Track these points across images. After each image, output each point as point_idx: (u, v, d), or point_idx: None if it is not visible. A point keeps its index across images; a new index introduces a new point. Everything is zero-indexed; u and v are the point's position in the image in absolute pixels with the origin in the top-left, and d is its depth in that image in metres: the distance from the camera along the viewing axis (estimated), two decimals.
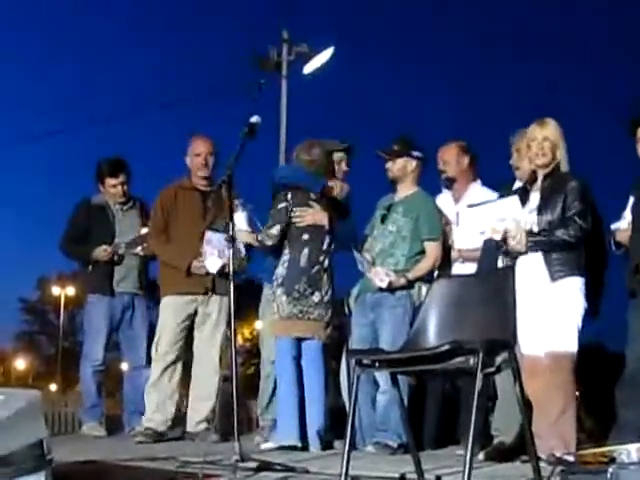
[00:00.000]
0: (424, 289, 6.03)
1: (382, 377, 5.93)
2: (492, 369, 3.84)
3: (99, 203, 7.56)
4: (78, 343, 59.97)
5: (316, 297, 6.13)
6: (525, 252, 5.41)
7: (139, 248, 7.34)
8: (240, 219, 6.34)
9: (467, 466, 3.55)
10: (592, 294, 5.58)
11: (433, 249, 6.25)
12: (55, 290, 54.06)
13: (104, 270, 7.40)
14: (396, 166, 6.36)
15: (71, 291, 50.63)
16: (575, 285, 5.40)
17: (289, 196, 6.22)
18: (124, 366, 8.20)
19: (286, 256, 6.21)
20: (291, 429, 5.93)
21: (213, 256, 6.66)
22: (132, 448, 6.07)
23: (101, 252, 7.32)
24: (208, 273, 6.77)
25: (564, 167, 5.53)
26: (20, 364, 58.80)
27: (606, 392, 6.92)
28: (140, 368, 7.39)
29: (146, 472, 4.55)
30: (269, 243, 6.24)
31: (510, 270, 4.22)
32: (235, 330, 5.03)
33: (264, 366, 6.79)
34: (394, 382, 4.24)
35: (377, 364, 4.02)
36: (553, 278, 5.36)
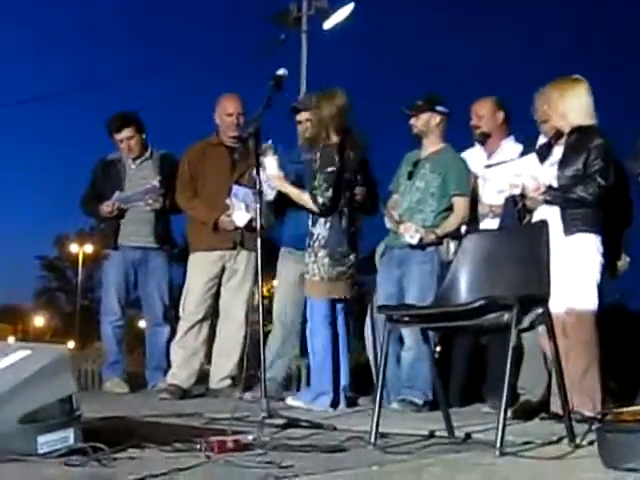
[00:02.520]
0: (452, 245, 6.03)
1: (408, 334, 5.90)
2: (526, 325, 3.79)
3: (113, 159, 7.49)
4: (96, 300, 60.44)
5: (353, 257, 6.07)
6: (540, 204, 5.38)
7: (142, 202, 7.23)
8: (271, 163, 6.20)
9: (501, 423, 3.53)
10: (611, 254, 5.52)
11: (461, 204, 6.21)
12: (73, 248, 54.20)
13: (112, 225, 7.35)
14: (420, 121, 6.28)
15: (89, 248, 50.81)
16: (590, 241, 5.33)
17: (337, 159, 6.04)
18: (142, 323, 8.18)
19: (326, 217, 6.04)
20: (329, 393, 5.91)
21: (241, 210, 6.61)
22: (156, 405, 6.04)
23: (103, 208, 7.27)
24: (237, 228, 6.71)
25: (588, 121, 5.44)
26: (39, 321, 59.18)
27: (630, 353, 6.86)
28: (156, 326, 7.37)
29: (174, 428, 4.50)
30: (328, 205, 6.05)
31: (544, 225, 4.14)
32: (262, 285, 4.96)
33: (274, 326, 6.75)
34: (425, 338, 4.18)
35: (408, 320, 3.97)
36: (567, 232, 5.28)
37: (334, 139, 6.04)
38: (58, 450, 3.25)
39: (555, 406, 5.33)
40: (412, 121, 6.32)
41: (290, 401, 5.97)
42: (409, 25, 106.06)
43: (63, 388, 3.30)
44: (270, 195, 6.30)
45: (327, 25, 19.66)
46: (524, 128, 6.43)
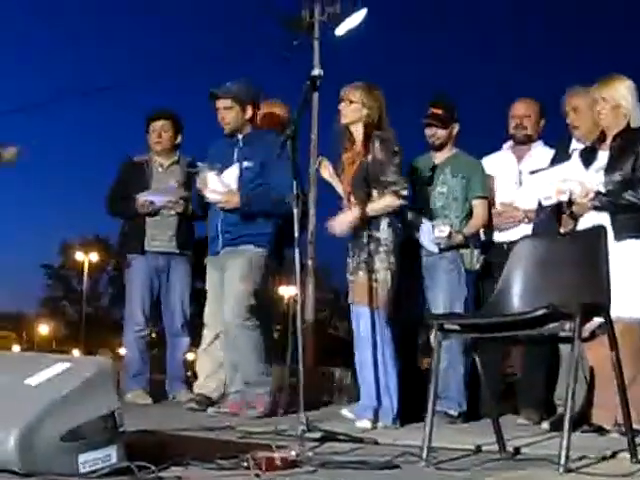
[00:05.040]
0: (476, 254, 6.05)
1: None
2: (587, 335, 3.61)
3: (140, 160, 7.29)
4: (101, 309, 60.68)
5: None
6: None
7: (164, 200, 7.02)
8: (213, 180, 6.13)
9: (565, 439, 3.36)
10: None
11: (483, 207, 6.16)
12: (79, 256, 54.17)
13: (136, 228, 7.12)
14: (443, 132, 6.22)
15: (94, 257, 50.86)
16: None
17: (398, 149, 5.72)
18: None
19: (386, 219, 5.62)
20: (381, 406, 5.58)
21: None
22: (184, 417, 5.85)
23: (140, 201, 7.02)
24: None
25: (634, 123, 5.28)
26: (44, 329, 59.17)
27: None
28: (176, 336, 7.20)
29: (211, 443, 4.32)
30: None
31: (603, 230, 3.96)
32: (303, 294, 4.78)
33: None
34: (475, 349, 4.00)
35: (460, 329, 3.79)
36: (617, 238, 5.11)
37: (389, 129, 5.73)
38: (100, 469, 3.08)
39: (597, 418, 5.18)
40: (433, 131, 6.23)
41: (345, 413, 5.73)
42: (421, 32, 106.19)
43: (106, 403, 3.11)
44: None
45: (339, 31, 19.54)
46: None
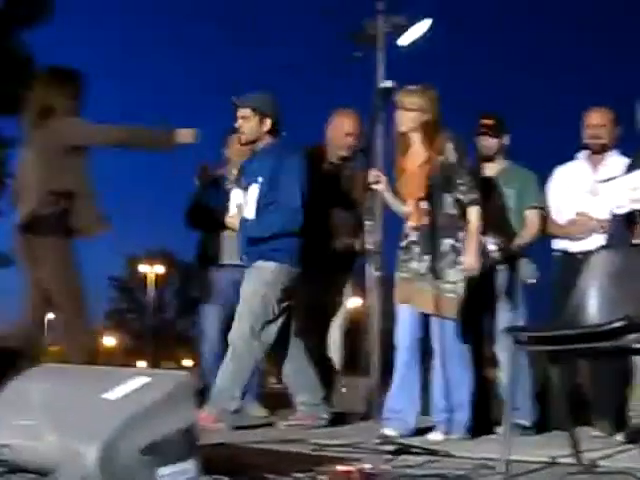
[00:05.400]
0: (530, 267, 6.13)
1: (501, 351, 5.75)
2: None
3: (216, 173, 7.29)
4: (166, 321, 61.00)
5: None
6: None
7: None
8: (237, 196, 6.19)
9: None
10: None
11: (536, 218, 6.16)
12: (144, 268, 54.59)
13: (214, 241, 7.14)
14: (494, 142, 6.22)
15: (160, 269, 51.20)
16: None
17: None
18: None
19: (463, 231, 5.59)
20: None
21: None
22: (255, 429, 5.87)
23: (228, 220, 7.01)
24: None
25: None
26: (110, 341, 59.65)
27: None
28: None
29: (285, 457, 4.32)
30: None
31: None
32: (373, 306, 4.75)
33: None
34: (553, 361, 3.95)
35: (536, 342, 3.75)
36: None
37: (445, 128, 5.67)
38: None
39: None
40: (486, 141, 6.23)
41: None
42: (487, 42, 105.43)
43: (185, 417, 3.13)
44: None
45: (403, 41, 19.41)
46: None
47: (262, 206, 5.96)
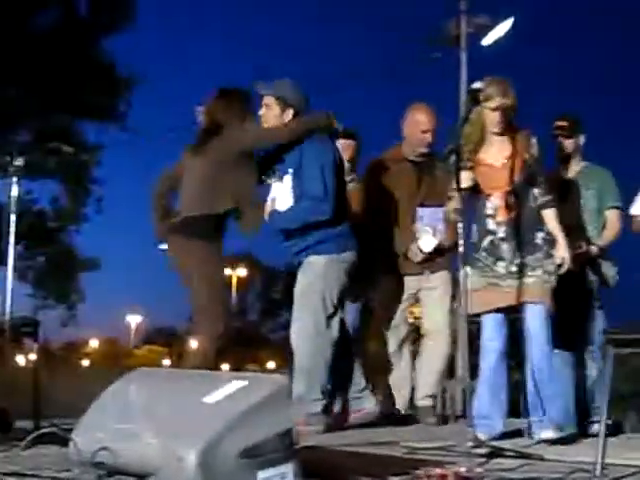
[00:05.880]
0: (612, 269, 6.11)
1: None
2: None
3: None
4: (249, 323, 61.30)
5: None
6: None
7: None
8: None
9: None
10: None
11: (618, 217, 6.16)
12: (226, 271, 54.84)
13: None
14: (570, 142, 6.20)
15: (242, 272, 51.34)
16: None
17: None
18: None
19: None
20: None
21: (428, 234, 6.42)
22: (345, 432, 5.85)
23: None
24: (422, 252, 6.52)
25: None
26: (193, 344, 60.08)
27: None
28: None
29: (380, 460, 4.32)
30: None
31: None
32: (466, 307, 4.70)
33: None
34: None
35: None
36: None
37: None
38: None
39: None
40: (563, 142, 6.21)
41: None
42: (571, 41, 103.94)
43: (282, 421, 3.16)
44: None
45: (486, 41, 19.34)
46: None
47: (296, 197, 5.87)
